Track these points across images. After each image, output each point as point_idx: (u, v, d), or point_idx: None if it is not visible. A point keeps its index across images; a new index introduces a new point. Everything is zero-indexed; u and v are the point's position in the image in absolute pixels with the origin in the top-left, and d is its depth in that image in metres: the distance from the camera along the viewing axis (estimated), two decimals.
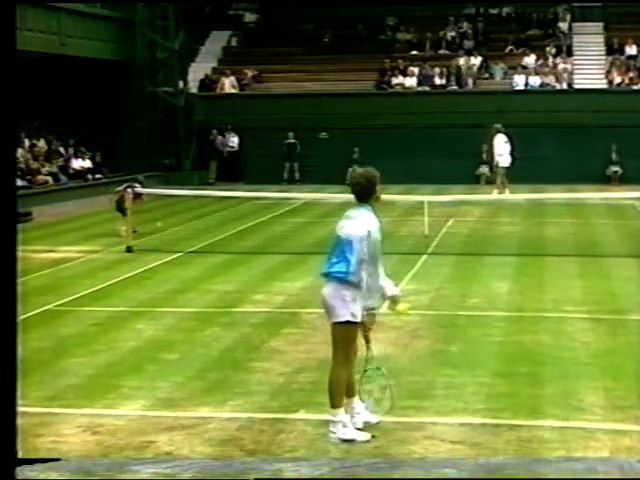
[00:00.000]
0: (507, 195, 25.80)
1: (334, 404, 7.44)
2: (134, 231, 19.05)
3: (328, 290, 7.40)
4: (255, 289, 14.03)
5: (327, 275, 7.40)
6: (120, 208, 19.51)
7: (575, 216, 22.43)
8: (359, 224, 7.32)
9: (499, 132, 26.84)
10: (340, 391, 7.47)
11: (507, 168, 26.97)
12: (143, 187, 20.64)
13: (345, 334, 7.38)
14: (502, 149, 26.88)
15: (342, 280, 7.27)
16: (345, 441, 7.32)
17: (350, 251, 7.22)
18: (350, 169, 27.07)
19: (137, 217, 19.60)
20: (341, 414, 7.41)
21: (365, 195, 7.45)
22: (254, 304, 13.01)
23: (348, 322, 7.32)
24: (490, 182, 29.16)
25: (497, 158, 27.16)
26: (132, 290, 14.19)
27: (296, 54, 36.30)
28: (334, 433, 7.37)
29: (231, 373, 9.49)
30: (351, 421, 7.49)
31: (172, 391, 8.91)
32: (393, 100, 33.51)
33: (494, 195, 25.72)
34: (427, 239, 18.39)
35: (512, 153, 26.84)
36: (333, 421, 7.41)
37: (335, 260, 7.33)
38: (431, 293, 13.45)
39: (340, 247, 7.31)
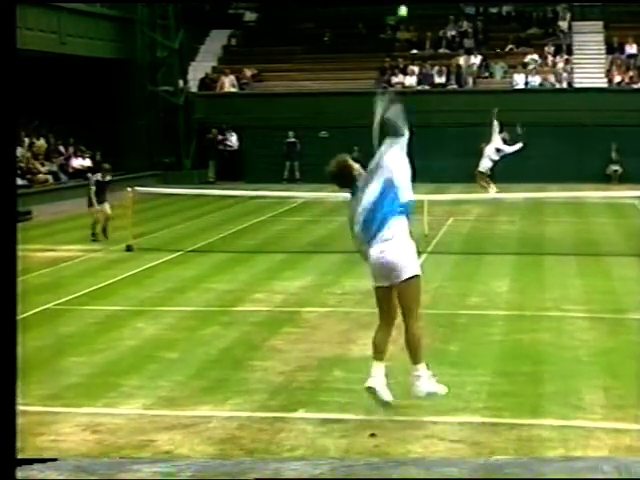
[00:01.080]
0: (506, 194, 25.65)
1: (420, 359, 7.74)
2: (93, 231, 19.21)
3: (386, 250, 7.62)
4: (255, 288, 14.03)
5: (377, 232, 7.60)
6: (90, 203, 19.49)
7: (575, 215, 22.43)
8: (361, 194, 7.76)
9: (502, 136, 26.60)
10: (424, 344, 7.82)
11: (482, 173, 26.82)
12: (108, 173, 20.05)
13: (418, 286, 7.73)
14: (489, 150, 26.70)
15: (403, 213, 7.61)
16: (429, 394, 7.70)
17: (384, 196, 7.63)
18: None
19: (115, 213, 19.66)
20: (425, 367, 7.72)
21: (347, 183, 8.04)
22: (254, 303, 13.01)
23: (418, 275, 7.70)
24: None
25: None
26: (132, 289, 14.18)
27: (296, 53, 36.29)
28: (419, 386, 7.67)
29: (231, 372, 9.49)
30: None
31: (172, 390, 8.90)
32: None
33: (492, 194, 25.67)
34: (427, 238, 18.37)
35: (496, 162, 26.65)
36: (418, 375, 7.68)
37: (379, 216, 7.59)
38: (431, 292, 13.42)
39: (374, 205, 7.64)
